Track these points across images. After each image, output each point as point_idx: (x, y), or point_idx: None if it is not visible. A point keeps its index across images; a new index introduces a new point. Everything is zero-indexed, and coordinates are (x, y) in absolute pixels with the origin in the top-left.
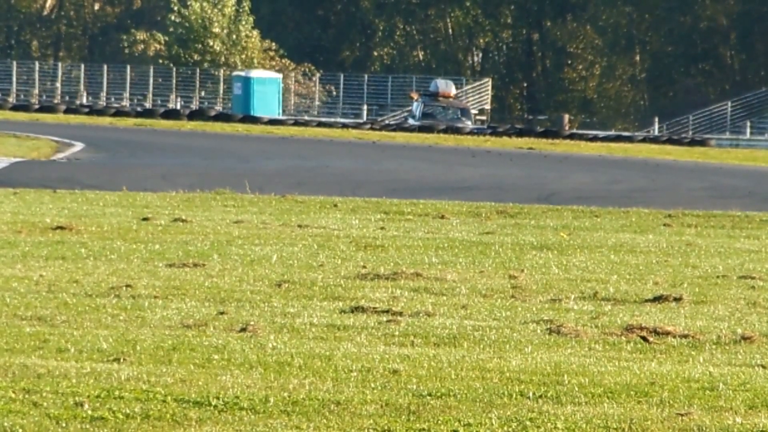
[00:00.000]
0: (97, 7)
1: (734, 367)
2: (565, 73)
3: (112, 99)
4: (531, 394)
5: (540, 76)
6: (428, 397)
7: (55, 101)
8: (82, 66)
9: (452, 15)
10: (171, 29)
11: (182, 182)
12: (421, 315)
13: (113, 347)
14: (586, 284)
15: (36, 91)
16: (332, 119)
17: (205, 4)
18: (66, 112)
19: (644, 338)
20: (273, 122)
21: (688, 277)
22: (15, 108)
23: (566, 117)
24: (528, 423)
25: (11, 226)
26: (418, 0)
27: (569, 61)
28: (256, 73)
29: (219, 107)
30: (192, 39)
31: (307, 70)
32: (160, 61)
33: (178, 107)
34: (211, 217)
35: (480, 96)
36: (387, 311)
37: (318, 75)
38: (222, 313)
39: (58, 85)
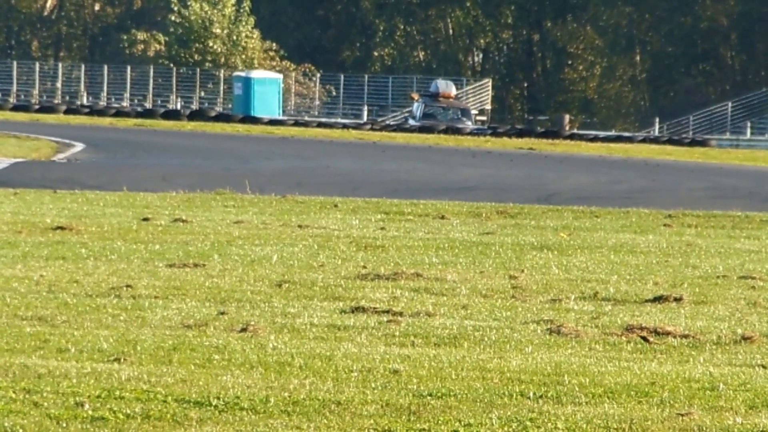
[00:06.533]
0: (97, 7)
1: (734, 367)
2: (565, 74)
3: (113, 99)
4: (531, 394)
5: (540, 77)
6: (429, 398)
7: (56, 101)
8: (83, 66)
9: (452, 15)
10: (171, 29)
11: (182, 182)
12: (421, 315)
13: (114, 347)
14: (587, 284)
15: (36, 91)
16: (332, 120)
17: (204, 4)
18: (66, 112)
19: (644, 338)
20: (273, 123)
21: (688, 277)
22: (15, 108)
23: (566, 117)
24: (528, 423)
25: (11, 227)
26: (418, 0)
27: (569, 62)
28: (256, 74)
29: (219, 108)
30: (192, 39)
31: (307, 70)
32: (161, 61)
33: (179, 107)
34: (212, 217)
35: (480, 96)
36: (387, 311)
37: (318, 75)
38: (222, 314)
39: (59, 85)
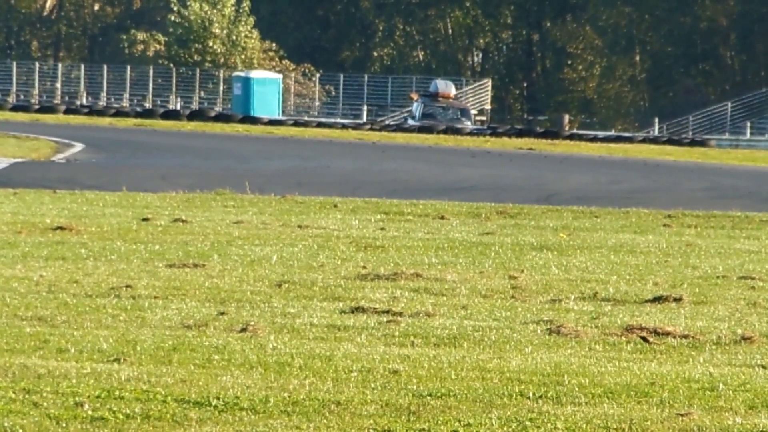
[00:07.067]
0: (97, 7)
1: (734, 367)
2: (565, 74)
3: (112, 99)
4: (531, 395)
5: (540, 77)
6: (428, 398)
7: (55, 102)
8: (82, 66)
9: (452, 15)
10: (171, 30)
11: (182, 183)
12: (421, 315)
13: (113, 347)
14: (586, 285)
15: (36, 91)
16: (332, 120)
17: (204, 4)
18: (66, 112)
19: (644, 338)
20: (273, 123)
21: (688, 277)
22: (15, 108)
23: (566, 117)
24: (528, 423)
25: (11, 227)
26: (418, 0)
27: (569, 62)
28: (256, 74)
29: (219, 108)
30: (192, 39)
31: (306, 70)
32: (160, 61)
33: (178, 108)
34: (211, 217)
35: (480, 96)
36: (387, 312)
37: (318, 75)
38: (222, 314)
39: (58, 85)
